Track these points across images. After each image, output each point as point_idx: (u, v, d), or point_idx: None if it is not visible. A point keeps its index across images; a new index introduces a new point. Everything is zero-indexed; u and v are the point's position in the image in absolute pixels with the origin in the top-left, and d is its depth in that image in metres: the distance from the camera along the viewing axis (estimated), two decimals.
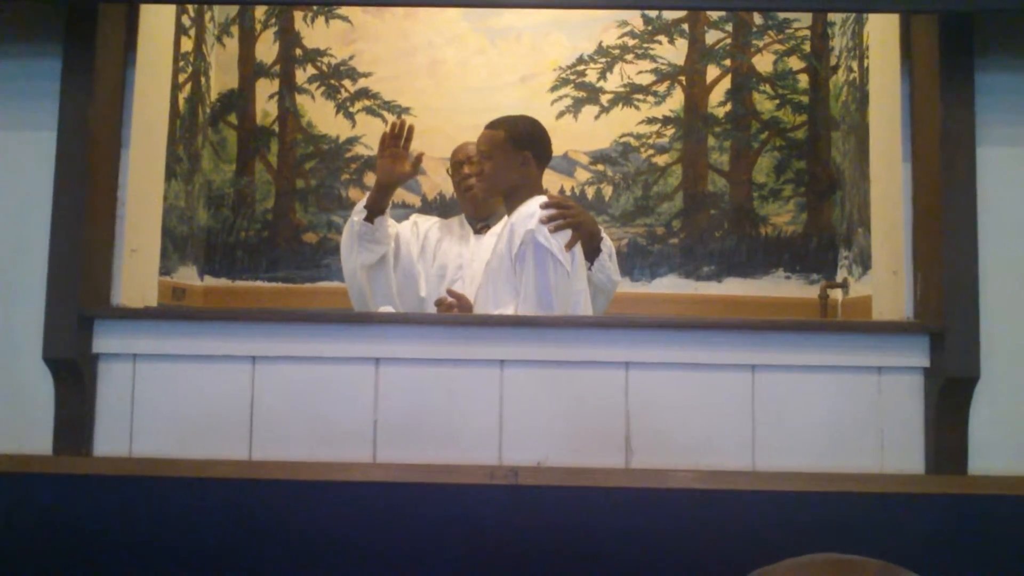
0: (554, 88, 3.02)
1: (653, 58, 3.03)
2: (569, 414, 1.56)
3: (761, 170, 2.99)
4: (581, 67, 3.03)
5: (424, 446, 1.56)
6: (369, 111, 3.05)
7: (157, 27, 1.84)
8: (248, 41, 3.08)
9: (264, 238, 3.02)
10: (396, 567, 1.52)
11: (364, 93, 3.05)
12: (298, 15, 3.07)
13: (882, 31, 1.81)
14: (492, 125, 2.05)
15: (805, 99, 3.00)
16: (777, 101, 3.00)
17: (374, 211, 2.10)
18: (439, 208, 2.99)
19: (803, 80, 3.00)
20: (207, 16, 2.89)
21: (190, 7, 2.69)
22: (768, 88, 3.01)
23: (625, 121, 3.02)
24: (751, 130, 3.00)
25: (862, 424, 1.56)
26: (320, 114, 3.06)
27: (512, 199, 1.99)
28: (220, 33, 3.05)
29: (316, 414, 1.58)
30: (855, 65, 2.62)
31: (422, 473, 1.52)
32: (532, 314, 1.78)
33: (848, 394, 1.57)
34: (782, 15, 3.01)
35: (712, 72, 3.02)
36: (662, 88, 3.02)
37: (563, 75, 3.03)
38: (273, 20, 3.07)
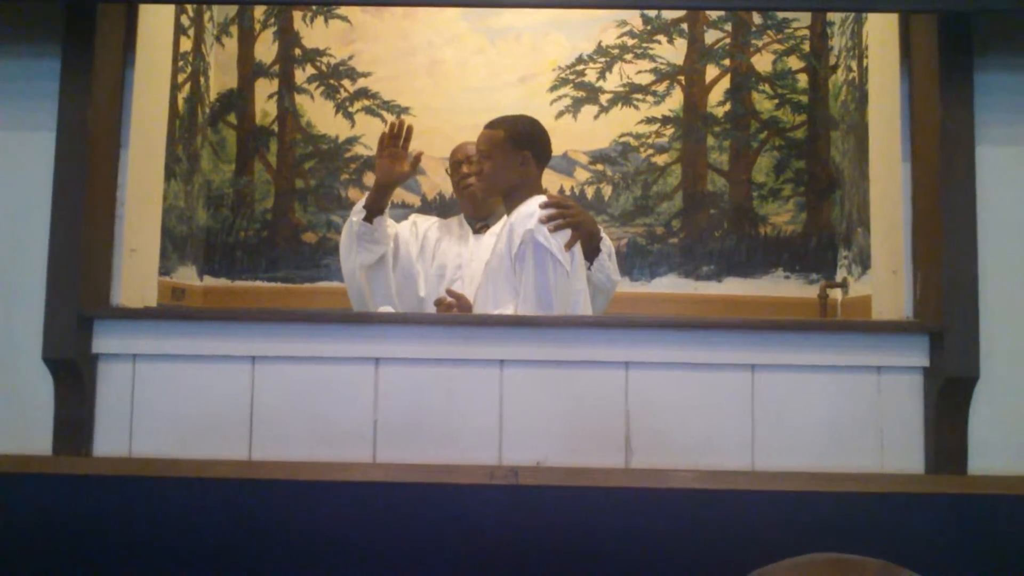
0: (553, 88, 3.03)
1: (652, 58, 3.03)
2: (569, 414, 1.56)
3: (760, 170, 2.99)
4: (580, 67, 3.03)
5: (424, 446, 1.56)
6: (368, 111, 3.05)
7: (156, 27, 1.84)
8: (247, 41, 3.07)
9: (263, 238, 3.02)
10: (396, 567, 1.52)
11: (363, 93, 3.05)
12: (297, 15, 3.06)
13: (881, 31, 1.81)
14: (491, 125, 2.05)
15: (804, 99, 3.00)
16: (776, 101, 3.01)
17: (373, 211, 2.10)
18: (439, 208, 2.99)
19: (802, 80, 3.00)
20: (206, 16, 2.89)
21: (189, 7, 2.69)
22: (767, 88, 3.01)
23: (624, 121, 3.02)
24: (750, 130, 3.00)
25: (862, 424, 1.56)
26: (319, 114, 3.06)
27: (511, 199, 1.99)
28: (219, 33, 3.05)
29: (316, 414, 1.57)
30: (854, 65, 2.62)
31: (422, 473, 1.52)
32: (532, 314, 1.78)
33: (848, 394, 1.57)
34: (781, 15, 3.01)
35: (711, 72, 3.03)
36: (661, 88, 3.02)
37: (562, 75, 3.03)
38: (272, 20, 3.07)
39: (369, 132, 3.02)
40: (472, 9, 3.02)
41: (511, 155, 2.00)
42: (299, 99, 3.06)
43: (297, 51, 3.07)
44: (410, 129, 2.09)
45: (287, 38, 3.07)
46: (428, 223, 2.33)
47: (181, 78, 2.64)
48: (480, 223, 2.28)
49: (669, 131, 3.01)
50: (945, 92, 1.54)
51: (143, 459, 1.57)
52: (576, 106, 3.02)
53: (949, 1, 1.49)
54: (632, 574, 1.51)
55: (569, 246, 1.83)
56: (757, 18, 3.03)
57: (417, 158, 2.09)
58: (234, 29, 3.07)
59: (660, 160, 3.01)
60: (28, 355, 1.58)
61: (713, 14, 3.02)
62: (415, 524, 1.52)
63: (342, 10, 3.04)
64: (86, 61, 1.58)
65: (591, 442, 1.55)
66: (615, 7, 2.82)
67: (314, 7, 3.04)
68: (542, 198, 1.87)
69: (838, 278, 2.81)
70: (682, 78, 3.03)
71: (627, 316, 1.95)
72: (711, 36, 3.03)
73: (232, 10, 3.05)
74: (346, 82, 3.05)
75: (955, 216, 1.53)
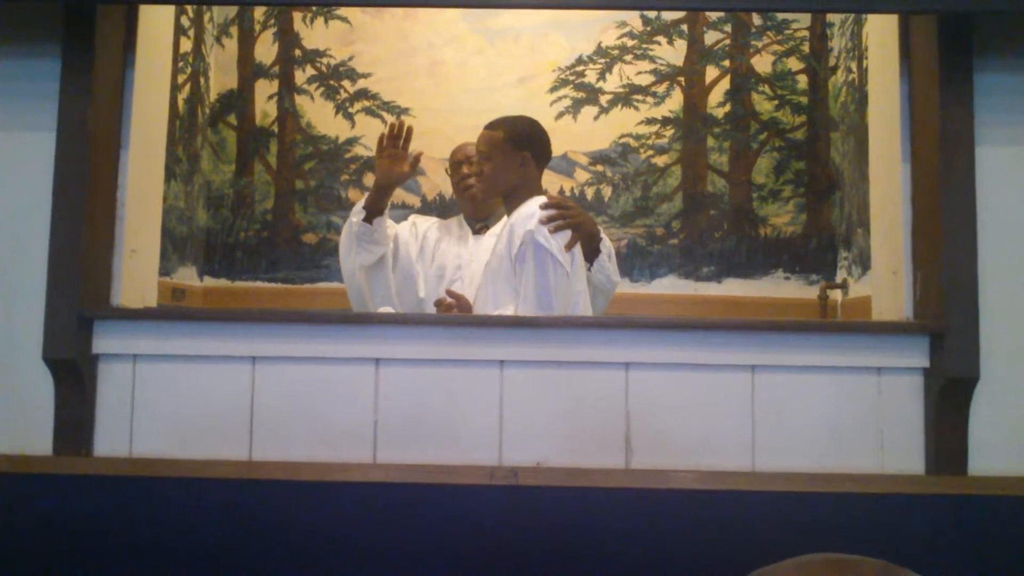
0: (553, 89, 3.03)
1: (652, 59, 3.03)
2: (569, 414, 1.56)
3: (760, 171, 3.00)
4: (580, 68, 3.03)
5: (424, 446, 1.56)
6: (368, 112, 3.05)
7: (156, 28, 1.84)
8: (247, 42, 3.08)
9: (264, 239, 3.02)
10: (396, 568, 1.52)
11: (363, 94, 3.05)
12: (297, 16, 3.07)
13: (881, 32, 1.81)
14: (491, 126, 2.05)
15: (804, 100, 3.00)
16: (776, 102, 3.01)
17: (373, 212, 2.10)
18: (439, 209, 2.99)
19: (802, 81, 3.01)
20: (206, 17, 2.89)
21: (189, 8, 2.69)
22: (767, 89, 3.01)
23: (624, 122, 3.02)
24: (750, 131, 3.00)
25: (862, 425, 1.56)
26: (319, 115, 3.06)
27: (511, 200, 1.99)
28: (219, 34, 3.05)
29: (316, 414, 1.57)
30: (854, 66, 2.62)
31: (422, 474, 1.52)
32: (532, 314, 1.78)
33: (848, 395, 1.57)
34: (781, 16, 3.01)
35: (711, 73, 3.03)
36: (661, 89, 3.02)
37: (562, 76, 3.03)
38: (272, 21, 3.07)
39: (369, 133, 3.02)
40: (472, 10, 3.02)
41: (511, 156, 2.00)
42: (299, 100, 3.06)
43: (297, 52, 3.07)
44: (410, 130, 2.09)
45: (287, 39, 3.07)
46: (428, 224, 2.33)
47: (181, 79, 2.64)
48: (480, 224, 2.28)
49: (669, 132, 3.01)
50: (945, 93, 1.54)
51: (143, 459, 1.57)
52: (576, 107, 3.02)
53: (949, 2, 1.49)
54: (632, 575, 1.51)
55: (569, 247, 1.83)
56: (757, 19, 3.03)
57: (416, 159, 2.09)
58: (234, 30, 3.07)
59: (660, 161, 3.01)
60: (28, 355, 1.58)
61: (713, 15, 3.02)
62: (415, 525, 1.52)
63: (342, 11, 3.04)
64: (86, 62, 1.58)
65: (591, 443, 1.55)
66: (614, 8, 2.82)
67: (314, 8, 3.04)
68: (542, 199, 1.87)
69: (838, 279, 2.81)
70: (682, 79, 3.03)
71: (627, 317, 1.96)
72: (711, 37, 3.04)
73: (232, 11, 3.05)
74: (346, 83, 3.06)
75: (955, 217, 1.53)
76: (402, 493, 1.52)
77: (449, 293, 1.98)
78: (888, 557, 1.22)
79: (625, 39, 3.03)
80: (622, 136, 3.02)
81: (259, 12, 3.06)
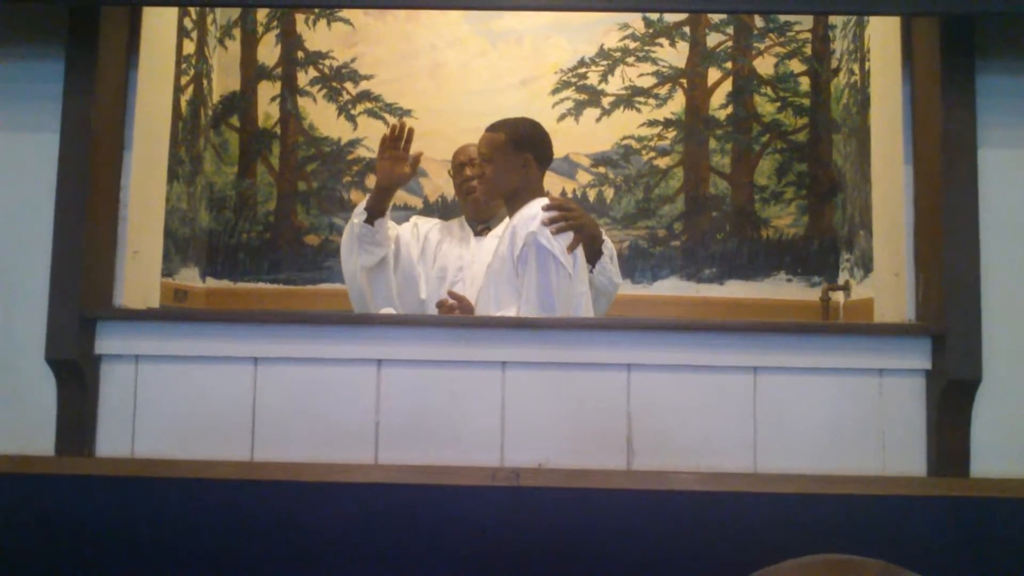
0: (555, 91, 3.03)
1: (654, 61, 3.03)
2: (570, 416, 1.56)
3: (762, 172, 3.00)
4: (582, 70, 3.03)
5: (426, 447, 1.56)
6: (370, 113, 3.05)
7: (159, 29, 1.85)
8: (250, 43, 3.08)
9: (266, 240, 3.03)
10: (397, 568, 1.52)
11: (366, 95, 3.06)
12: (300, 18, 3.07)
13: (883, 34, 1.81)
14: (493, 128, 2.05)
15: (806, 102, 3.00)
16: (778, 104, 3.01)
17: (374, 213, 2.10)
18: (440, 210, 2.99)
19: (804, 83, 3.00)
20: (209, 18, 2.90)
21: (192, 10, 2.69)
22: (769, 91, 3.01)
23: (626, 124, 3.02)
24: (752, 133, 3.00)
25: (864, 426, 1.56)
26: (322, 116, 3.06)
27: (513, 201, 2.00)
28: (222, 35, 3.05)
29: (318, 415, 1.58)
30: (856, 68, 2.62)
31: (423, 475, 1.52)
32: (534, 316, 1.79)
33: (850, 396, 1.57)
34: (783, 18, 3.01)
35: (713, 75, 3.03)
36: (663, 91, 3.02)
37: (564, 78, 3.03)
38: (275, 23, 3.08)
39: (371, 134, 3.02)
40: (474, 12, 3.02)
41: (512, 158, 2.00)
42: (302, 101, 3.06)
43: (300, 54, 3.07)
44: (411, 131, 2.10)
45: (290, 41, 3.08)
46: (429, 225, 2.33)
47: (184, 80, 2.65)
48: (481, 225, 2.28)
49: (671, 134, 3.01)
50: (947, 95, 1.54)
51: (145, 460, 1.57)
52: (578, 109, 3.03)
53: (951, 4, 1.49)
54: None
55: (571, 248, 1.83)
56: (759, 21, 3.03)
57: (416, 159, 2.09)
58: (237, 32, 3.07)
59: (662, 163, 3.01)
60: (31, 356, 1.58)
61: (715, 17, 3.03)
62: (416, 525, 1.52)
63: (344, 13, 3.05)
64: (90, 63, 1.59)
65: (593, 444, 1.55)
66: (616, 10, 2.82)
67: (316, 10, 3.04)
68: (544, 200, 1.87)
69: (840, 281, 2.80)
70: (684, 81, 3.03)
71: (629, 318, 1.95)
72: (713, 39, 3.04)
73: (235, 13, 3.05)
74: (348, 85, 3.06)
75: (957, 218, 1.53)
76: (403, 494, 1.52)
77: (451, 294, 1.98)
78: (889, 559, 1.22)
79: (627, 41, 3.04)
80: (624, 138, 3.02)
81: (262, 14, 3.07)
